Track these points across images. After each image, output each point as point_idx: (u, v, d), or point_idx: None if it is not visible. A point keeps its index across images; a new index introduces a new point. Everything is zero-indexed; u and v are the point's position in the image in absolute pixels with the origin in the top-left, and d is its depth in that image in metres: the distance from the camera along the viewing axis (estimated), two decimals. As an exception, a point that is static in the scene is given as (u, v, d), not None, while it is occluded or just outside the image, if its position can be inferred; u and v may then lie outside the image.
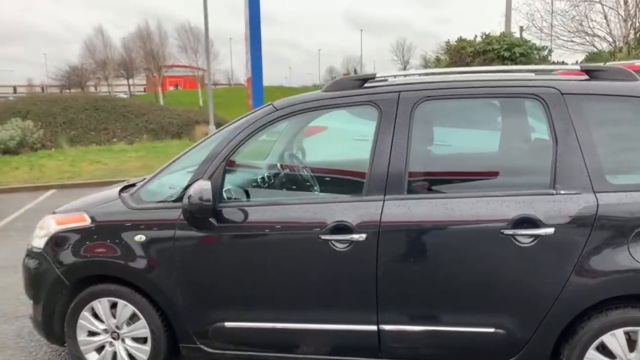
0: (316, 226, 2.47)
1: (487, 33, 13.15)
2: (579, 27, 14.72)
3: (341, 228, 2.44)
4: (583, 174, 2.30)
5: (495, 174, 2.54)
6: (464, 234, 2.38)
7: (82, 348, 2.90)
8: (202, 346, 2.73)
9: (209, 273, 2.64)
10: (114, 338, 2.85)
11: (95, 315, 2.85)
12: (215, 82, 54.87)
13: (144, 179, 3.04)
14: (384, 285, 2.43)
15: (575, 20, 14.76)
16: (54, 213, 3.08)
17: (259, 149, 3.20)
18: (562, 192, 2.31)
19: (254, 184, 3.06)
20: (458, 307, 2.43)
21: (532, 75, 2.61)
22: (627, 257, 2.24)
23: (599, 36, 15.33)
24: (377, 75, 2.68)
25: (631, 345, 2.30)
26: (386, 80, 2.69)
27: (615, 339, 2.30)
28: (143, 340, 2.81)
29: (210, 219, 2.58)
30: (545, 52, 13.09)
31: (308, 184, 2.88)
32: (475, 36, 13.12)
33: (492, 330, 2.41)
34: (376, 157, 2.48)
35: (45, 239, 2.92)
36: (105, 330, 2.86)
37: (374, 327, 2.49)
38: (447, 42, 14.35)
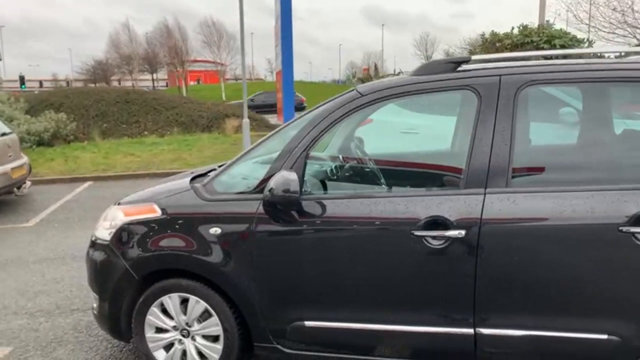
0: (408, 221, 2.29)
1: (524, 25, 12.79)
2: (621, 18, 14.20)
3: (437, 223, 2.26)
4: None
5: (609, 165, 2.31)
6: (576, 232, 2.17)
7: (150, 345, 2.78)
8: (278, 346, 2.58)
9: (289, 269, 2.48)
10: (183, 335, 2.72)
11: (165, 312, 2.73)
12: (235, 77, 54.94)
13: (215, 169, 2.89)
14: (483, 285, 2.24)
15: (618, 12, 14.24)
16: (118, 204, 2.96)
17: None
18: None
19: (331, 175, 2.89)
20: (567, 311, 2.22)
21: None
22: None
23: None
24: (473, 57, 2.48)
25: None
26: (484, 63, 2.48)
27: None
28: (214, 339, 2.68)
29: (293, 212, 2.42)
30: (586, 45, 12.66)
31: (389, 176, 2.68)
32: (513, 28, 12.76)
33: (605, 336, 2.20)
34: (475, 147, 2.28)
35: (111, 231, 2.80)
36: (175, 327, 2.73)
37: (470, 330, 2.31)
38: (482, 35, 13.98)
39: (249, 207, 2.51)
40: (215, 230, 2.55)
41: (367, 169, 2.85)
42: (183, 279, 2.66)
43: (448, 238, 2.25)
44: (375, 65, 66.82)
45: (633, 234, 2.10)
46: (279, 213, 2.45)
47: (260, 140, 2.83)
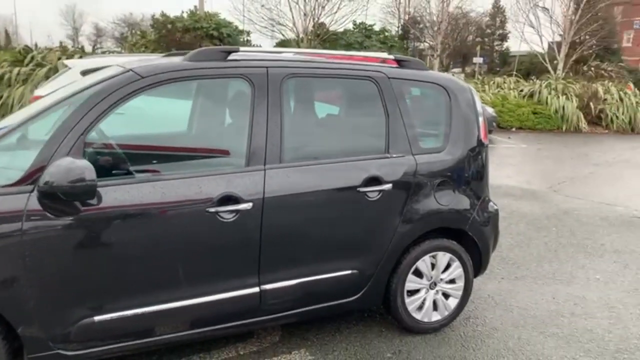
0: (203, 200, 2.45)
1: (192, 10, 13.48)
2: (270, 15, 16.61)
3: (229, 199, 2.50)
4: (405, 140, 3.00)
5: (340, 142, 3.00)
6: (325, 196, 2.77)
7: None
8: (59, 351, 2.35)
9: (77, 264, 2.28)
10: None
11: None
12: None
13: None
14: (265, 247, 2.62)
15: (267, 9, 16.58)
16: None
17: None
18: (394, 155, 2.96)
19: (110, 161, 2.68)
20: (324, 258, 2.83)
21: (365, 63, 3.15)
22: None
23: (285, 26, 17.68)
24: (241, 49, 2.76)
25: (435, 266, 3.17)
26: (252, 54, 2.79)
27: (424, 263, 3.14)
28: None
29: (76, 203, 2.23)
30: (246, 36, 14.32)
31: (170, 159, 2.71)
32: (182, 12, 13.29)
33: (349, 272, 2.91)
34: (254, 129, 2.61)
35: None
36: None
37: (256, 289, 2.66)
38: (153, 16, 13.97)
39: (15, 202, 2.17)
40: (-31, 234, 2.10)
41: (146, 153, 2.78)
42: None
43: (238, 211, 2.52)
44: (7, 32, 56.92)
45: (365, 193, 2.85)
46: (59, 205, 2.21)
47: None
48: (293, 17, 17.50)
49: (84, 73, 6.05)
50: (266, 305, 2.72)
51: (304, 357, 2.94)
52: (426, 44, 37.82)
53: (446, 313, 3.28)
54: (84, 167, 2.11)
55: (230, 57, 2.69)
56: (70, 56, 10.08)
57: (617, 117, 15.82)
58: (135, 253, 2.39)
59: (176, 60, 2.68)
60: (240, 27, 14.78)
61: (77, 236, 2.28)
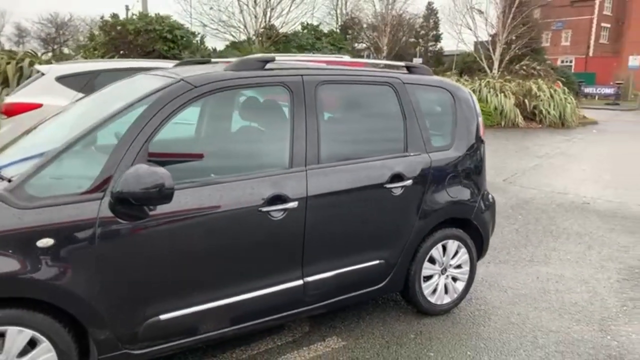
0: (255, 200, 2.63)
1: (140, 12, 13.18)
2: (221, 17, 16.51)
3: (278, 198, 2.69)
4: (420, 139, 3.30)
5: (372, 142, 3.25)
6: (358, 193, 3.02)
7: None
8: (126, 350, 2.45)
9: (145, 266, 2.40)
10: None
11: None
12: None
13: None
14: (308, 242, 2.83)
15: (218, 12, 16.48)
16: None
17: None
18: (412, 154, 3.26)
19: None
20: (357, 250, 3.08)
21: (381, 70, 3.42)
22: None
23: (236, 28, 17.63)
24: (276, 58, 2.95)
25: (446, 253, 3.50)
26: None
27: (437, 251, 3.46)
28: None
29: (145, 208, 2.35)
30: (199, 38, 14.20)
31: (224, 163, 2.82)
32: (133, 15, 12.94)
33: (377, 262, 3.18)
34: (295, 132, 2.81)
35: None
36: None
37: (300, 282, 2.87)
38: (102, 18, 13.51)
39: (88, 209, 2.26)
40: (46, 241, 2.17)
41: (200, 158, 2.87)
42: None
43: (286, 210, 2.72)
44: None
45: (390, 189, 3.12)
46: (129, 210, 2.32)
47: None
48: (244, 19, 17.60)
49: (60, 79, 5.95)
50: (308, 296, 2.92)
51: (337, 343, 3.18)
52: (362, 45, 38.81)
53: (455, 295, 3.62)
54: (163, 174, 2.24)
55: (267, 66, 2.88)
56: (20, 60, 9.64)
57: (549, 112, 17.06)
58: (197, 253, 2.53)
59: (218, 70, 2.82)
60: (194, 30, 14.70)
61: (146, 239, 2.39)
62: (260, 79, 2.81)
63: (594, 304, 3.86)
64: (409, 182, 3.18)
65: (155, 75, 2.93)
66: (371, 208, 3.09)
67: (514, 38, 24.54)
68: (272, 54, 2.98)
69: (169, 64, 6.91)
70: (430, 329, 3.39)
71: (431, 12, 45.33)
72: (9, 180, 2.26)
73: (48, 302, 2.22)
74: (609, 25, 48.36)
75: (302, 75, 2.91)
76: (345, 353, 3.07)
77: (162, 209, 2.38)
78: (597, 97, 30.19)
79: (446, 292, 3.58)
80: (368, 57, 34.76)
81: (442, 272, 3.54)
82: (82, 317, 2.30)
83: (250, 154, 2.86)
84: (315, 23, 20.23)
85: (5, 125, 5.78)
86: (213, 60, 3.70)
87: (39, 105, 5.75)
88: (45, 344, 2.25)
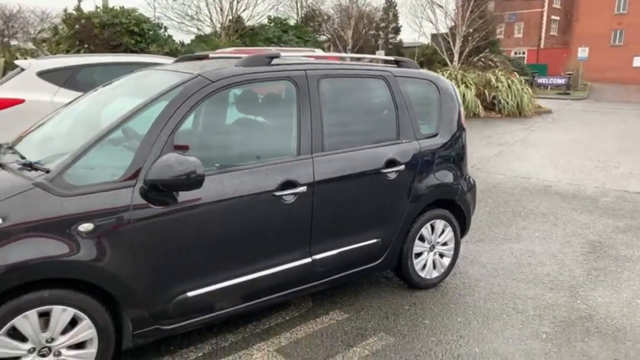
0: (270, 186, 2.87)
1: (106, 6, 12.97)
2: (187, 11, 16.39)
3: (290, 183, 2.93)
4: (410, 128, 3.61)
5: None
6: (358, 177, 3.30)
7: None
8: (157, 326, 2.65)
9: (175, 247, 2.61)
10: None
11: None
12: None
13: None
14: (315, 223, 3.10)
15: (183, 5, 16.34)
16: None
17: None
18: (404, 141, 3.56)
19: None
20: (358, 229, 3.36)
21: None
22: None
23: (202, 22, 17.54)
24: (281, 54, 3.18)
25: (434, 231, 3.83)
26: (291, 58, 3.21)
27: (426, 230, 3.78)
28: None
29: (174, 193, 2.55)
30: (162, 31, 14.07)
31: (238, 152, 3.01)
32: (97, 7, 12.72)
33: (375, 240, 3.47)
34: (302, 123, 3.05)
35: None
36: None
37: (309, 259, 3.13)
38: (65, 11, 13.19)
39: (123, 196, 2.45)
40: (86, 226, 2.35)
41: (220, 147, 3.05)
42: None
43: (297, 194, 2.97)
44: None
45: (386, 173, 3.41)
46: (160, 196, 2.51)
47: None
48: (210, 12, 17.53)
49: (41, 74, 5.94)
50: (315, 272, 3.19)
51: (341, 316, 3.46)
52: (323, 37, 39.06)
53: (442, 270, 3.96)
54: (194, 162, 2.45)
55: (273, 62, 3.11)
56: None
57: (507, 102, 17.82)
58: (220, 233, 2.76)
59: (229, 65, 3.02)
60: (159, 22, 14.56)
61: (175, 222, 2.60)
62: (269, 74, 3.03)
63: (563, 274, 4.28)
64: (402, 167, 3.48)
65: (169, 71, 3.11)
66: (369, 191, 3.38)
67: (471, 31, 25.36)
68: (277, 50, 3.21)
69: (151, 58, 7.00)
70: (422, 301, 3.72)
71: (390, 4, 46.06)
72: (47, 171, 2.41)
73: (89, 282, 2.40)
74: (558, 18, 50.42)
75: (305, 70, 3.15)
76: (349, 324, 3.36)
77: (189, 194, 2.58)
78: (549, 87, 31.48)
79: (434, 267, 3.91)
80: (329, 49, 35.05)
81: (431, 249, 3.87)
82: (119, 295, 2.49)
83: (262, 143, 3.09)
84: (281, 17, 20.38)
85: (-14, 121, 5.74)
86: (211, 55, 3.88)
87: (22, 101, 5.75)
88: (85, 322, 2.43)
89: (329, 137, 3.18)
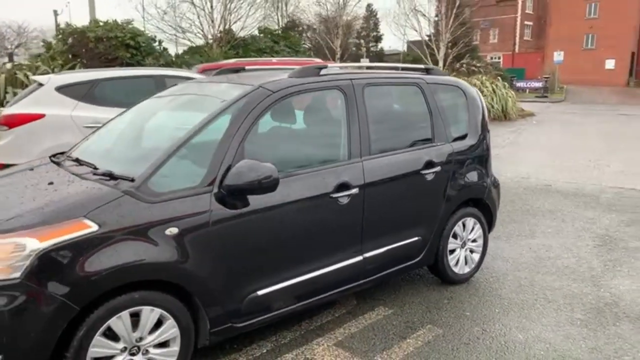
0: (328, 188, 3.05)
1: (101, 19, 12.99)
2: (180, 23, 16.48)
3: (344, 186, 3.12)
4: (443, 131, 3.83)
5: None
6: (402, 179, 3.51)
7: None
8: (231, 324, 2.80)
9: (248, 248, 2.77)
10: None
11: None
12: None
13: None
14: (366, 223, 3.29)
15: (175, 17, 16.42)
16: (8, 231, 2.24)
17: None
18: (438, 143, 3.78)
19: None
20: (402, 228, 3.56)
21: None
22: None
23: (194, 33, 17.64)
24: (329, 65, 3.37)
25: (465, 229, 4.06)
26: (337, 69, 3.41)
27: (459, 227, 4.00)
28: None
29: (247, 197, 2.72)
30: (156, 44, 14.12)
31: (295, 157, 3.18)
32: (91, 21, 12.70)
33: (416, 238, 3.67)
34: (351, 128, 3.25)
35: (22, 264, 2.18)
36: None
37: (360, 257, 3.31)
38: (58, 26, 13.12)
39: (203, 200, 2.60)
40: (172, 230, 2.50)
41: (283, 154, 3.21)
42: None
43: (350, 195, 3.15)
44: None
45: (425, 174, 3.62)
46: (235, 200, 2.68)
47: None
48: (201, 24, 17.63)
49: (59, 89, 6.01)
50: (365, 270, 3.37)
51: (386, 311, 3.64)
52: (305, 46, 39.39)
53: (473, 266, 4.18)
54: (270, 167, 2.62)
55: (321, 72, 3.30)
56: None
57: (492, 106, 18.31)
58: (287, 234, 2.93)
59: (283, 76, 3.20)
60: (160, 36, 14.65)
61: (248, 224, 2.76)
62: (320, 84, 3.22)
63: (582, 266, 4.54)
64: (438, 168, 3.70)
65: (228, 83, 3.28)
66: (411, 191, 3.58)
67: (450, 37, 25.95)
68: (325, 63, 3.40)
69: (164, 71, 7.13)
70: (458, 295, 3.92)
71: (371, 13, 46.76)
72: (132, 180, 2.55)
73: (174, 283, 2.54)
74: (531, 23, 51.78)
75: (351, 79, 3.35)
76: (396, 318, 3.55)
77: (260, 198, 2.75)
78: (527, 91, 32.33)
79: (466, 263, 4.12)
80: (310, 57, 35.34)
81: (462, 245, 4.08)
82: (199, 295, 2.64)
83: (317, 149, 3.28)
84: (271, 27, 20.52)
85: (6, 137, 5.80)
86: (247, 68, 4.05)
87: (42, 116, 5.82)
88: (170, 321, 2.57)
89: (374, 142, 3.37)
